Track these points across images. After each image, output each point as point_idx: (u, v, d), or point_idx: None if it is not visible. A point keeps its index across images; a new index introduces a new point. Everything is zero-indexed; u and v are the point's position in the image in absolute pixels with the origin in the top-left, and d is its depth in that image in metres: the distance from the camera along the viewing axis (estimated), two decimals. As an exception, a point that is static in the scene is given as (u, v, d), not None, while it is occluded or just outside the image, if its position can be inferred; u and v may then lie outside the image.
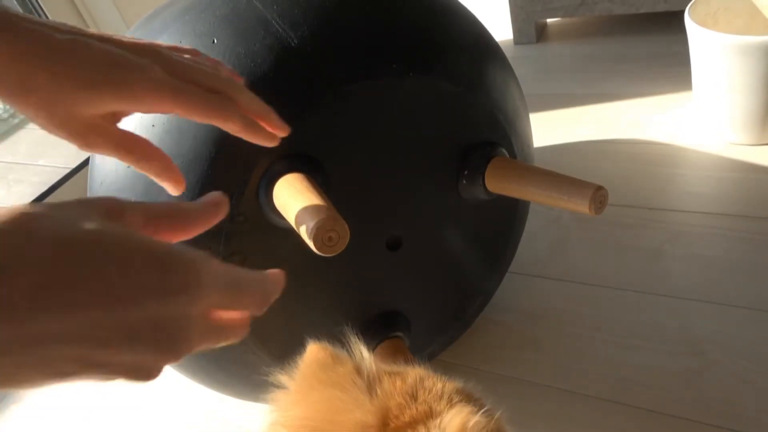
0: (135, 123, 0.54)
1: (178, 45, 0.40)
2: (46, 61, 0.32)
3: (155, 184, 0.53)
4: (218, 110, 0.36)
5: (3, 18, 0.32)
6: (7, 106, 2.06)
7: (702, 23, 0.94)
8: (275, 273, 0.31)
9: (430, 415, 0.35)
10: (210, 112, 0.36)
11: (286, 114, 0.44)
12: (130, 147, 0.38)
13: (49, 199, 1.28)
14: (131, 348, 0.25)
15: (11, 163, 1.76)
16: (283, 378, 0.37)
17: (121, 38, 0.36)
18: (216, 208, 0.32)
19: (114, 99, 0.34)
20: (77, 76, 0.33)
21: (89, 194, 0.58)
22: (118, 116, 0.37)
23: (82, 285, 0.23)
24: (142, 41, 0.37)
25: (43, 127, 0.35)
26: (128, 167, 0.53)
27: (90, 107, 0.34)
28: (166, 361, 0.27)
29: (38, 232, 0.23)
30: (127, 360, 0.25)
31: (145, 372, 0.27)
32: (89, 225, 0.24)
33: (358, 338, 0.65)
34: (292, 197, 0.48)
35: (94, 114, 0.35)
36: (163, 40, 0.53)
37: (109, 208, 0.27)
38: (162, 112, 0.36)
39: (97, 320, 0.24)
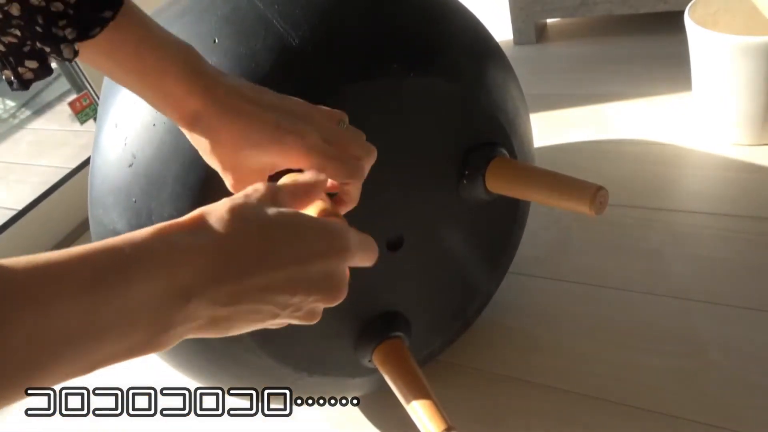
0: (137, 121, 0.54)
1: (330, 110, 0.45)
2: (231, 125, 0.41)
3: (154, 184, 0.53)
4: (349, 177, 0.44)
5: (206, 76, 0.41)
6: (7, 107, 2.07)
7: (702, 23, 0.94)
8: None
9: None
10: (344, 178, 0.43)
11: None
12: None
13: (49, 199, 1.28)
14: (310, 294, 0.35)
15: (11, 163, 1.76)
16: None
17: (288, 99, 0.44)
18: (323, 180, 0.42)
19: (274, 157, 0.42)
20: (251, 138, 0.41)
21: (89, 195, 0.58)
22: (274, 168, 0.44)
23: (279, 252, 0.33)
24: (302, 104, 0.44)
25: (209, 159, 0.43)
26: (129, 167, 0.53)
27: (256, 160, 0.42)
28: (331, 303, 0.36)
29: (249, 218, 0.33)
30: (307, 305, 0.36)
31: (316, 314, 0.37)
32: (272, 210, 0.34)
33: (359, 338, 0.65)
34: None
35: (256, 164, 0.43)
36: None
37: (271, 194, 0.36)
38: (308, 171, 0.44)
39: (289, 275, 0.34)
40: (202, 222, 0.32)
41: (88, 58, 0.40)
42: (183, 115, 0.41)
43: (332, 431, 0.77)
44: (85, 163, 1.37)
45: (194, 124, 0.41)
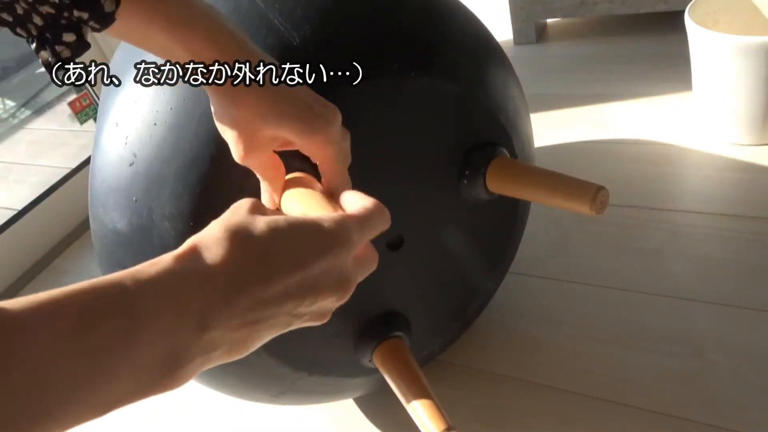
0: (137, 120, 0.54)
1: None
2: (264, 89, 0.40)
3: (154, 184, 0.53)
4: (344, 186, 0.44)
5: (236, 38, 0.41)
6: (7, 107, 2.07)
7: (702, 23, 0.94)
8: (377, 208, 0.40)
9: None
10: (343, 184, 0.44)
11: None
12: (272, 168, 0.46)
13: (49, 199, 1.28)
14: (319, 295, 0.35)
15: (11, 163, 1.76)
16: None
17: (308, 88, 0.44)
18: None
19: (296, 134, 0.42)
20: (280, 108, 0.41)
21: (90, 194, 0.58)
22: (283, 144, 0.44)
23: (282, 262, 0.33)
24: (322, 98, 0.44)
25: (226, 121, 0.42)
26: (130, 166, 0.53)
27: (274, 131, 0.42)
28: (340, 300, 0.37)
29: (246, 235, 0.33)
30: (316, 307, 0.36)
31: (326, 314, 0.38)
32: (263, 221, 0.34)
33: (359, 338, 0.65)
34: (295, 199, 0.48)
35: (272, 135, 0.42)
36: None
37: (255, 206, 0.36)
38: (314, 160, 0.44)
39: (296, 282, 0.33)
40: (199, 248, 0.32)
41: (116, 22, 0.39)
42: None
43: (332, 431, 0.77)
44: (85, 163, 1.37)
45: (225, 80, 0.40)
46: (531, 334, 0.82)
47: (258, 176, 0.46)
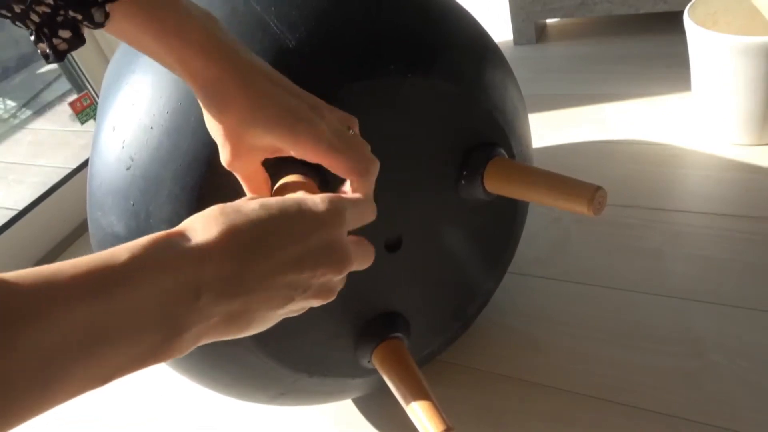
0: (134, 125, 0.54)
1: (343, 113, 0.46)
2: (245, 97, 0.41)
3: (151, 187, 0.53)
4: (353, 173, 0.43)
5: (225, 46, 0.41)
6: (7, 107, 2.07)
7: (702, 24, 0.94)
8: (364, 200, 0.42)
9: None
10: (348, 172, 0.43)
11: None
12: (256, 179, 0.46)
13: (49, 200, 1.28)
14: (317, 267, 0.36)
15: (11, 163, 1.76)
16: None
17: (303, 91, 0.45)
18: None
19: (281, 140, 0.42)
20: (262, 115, 0.41)
21: (88, 197, 0.58)
22: (275, 151, 0.44)
23: (274, 234, 0.34)
24: (316, 99, 0.45)
25: (213, 128, 0.43)
26: (127, 169, 0.53)
27: (260, 138, 0.42)
28: (339, 272, 0.37)
29: (238, 211, 0.34)
30: (318, 281, 0.37)
31: (331, 290, 0.39)
32: (255, 201, 0.36)
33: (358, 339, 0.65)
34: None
35: (258, 143, 0.43)
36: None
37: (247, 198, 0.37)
38: (313, 162, 0.43)
39: (291, 254, 0.35)
40: (193, 226, 0.33)
41: (111, 24, 0.40)
42: (198, 78, 0.41)
43: (332, 431, 0.77)
44: (86, 163, 1.37)
45: (207, 88, 0.41)
46: (531, 334, 0.82)
47: (243, 186, 0.46)
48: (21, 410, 0.25)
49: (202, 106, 0.43)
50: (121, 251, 0.29)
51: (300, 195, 0.39)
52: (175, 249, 0.31)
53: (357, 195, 0.42)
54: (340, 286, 0.40)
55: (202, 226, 0.33)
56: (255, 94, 0.41)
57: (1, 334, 0.24)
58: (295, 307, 0.38)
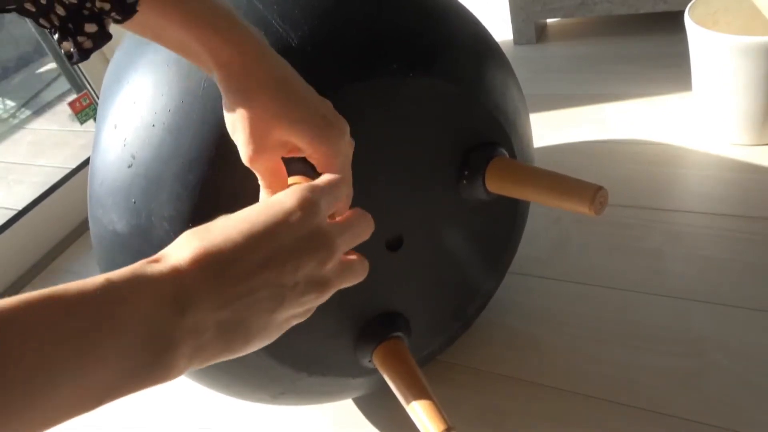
0: (136, 123, 0.54)
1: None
2: (278, 93, 0.41)
3: (153, 185, 0.53)
4: (347, 202, 0.43)
5: (255, 38, 0.41)
6: (7, 107, 2.07)
7: (702, 23, 0.94)
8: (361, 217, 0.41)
9: None
10: (345, 200, 0.43)
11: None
12: (277, 176, 0.45)
13: (49, 199, 1.28)
14: (301, 259, 0.35)
15: (11, 163, 1.76)
16: None
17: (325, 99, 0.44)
18: None
19: (307, 140, 0.41)
20: (293, 114, 0.41)
21: (89, 196, 0.58)
22: (291, 150, 0.44)
23: (247, 234, 0.34)
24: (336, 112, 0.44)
25: (236, 123, 0.42)
26: (128, 168, 0.53)
27: (283, 135, 0.41)
28: (326, 263, 0.37)
29: (207, 227, 0.35)
30: (307, 275, 0.36)
31: (325, 283, 0.37)
32: (219, 218, 0.35)
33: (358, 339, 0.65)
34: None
35: (281, 138, 0.42)
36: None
37: None
38: (320, 169, 0.43)
39: (269, 249, 0.34)
40: (166, 252, 0.33)
41: (136, 16, 0.39)
42: (227, 66, 0.41)
43: (332, 431, 0.77)
44: (85, 163, 1.37)
45: (237, 76, 0.41)
46: (531, 334, 0.82)
47: (260, 182, 0.46)
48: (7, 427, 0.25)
49: (225, 95, 0.42)
50: (98, 277, 0.30)
51: (273, 197, 0.38)
52: (152, 271, 0.31)
53: (327, 177, 0.40)
54: (334, 278, 0.38)
55: (175, 251, 0.33)
56: (288, 93, 0.41)
57: None
58: (294, 309, 0.37)
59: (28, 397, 0.25)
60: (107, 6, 0.38)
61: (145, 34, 0.41)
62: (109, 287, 0.29)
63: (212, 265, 0.32)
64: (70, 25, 0.38)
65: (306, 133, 0.41)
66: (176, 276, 0.31)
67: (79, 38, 0.39)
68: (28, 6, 0.37)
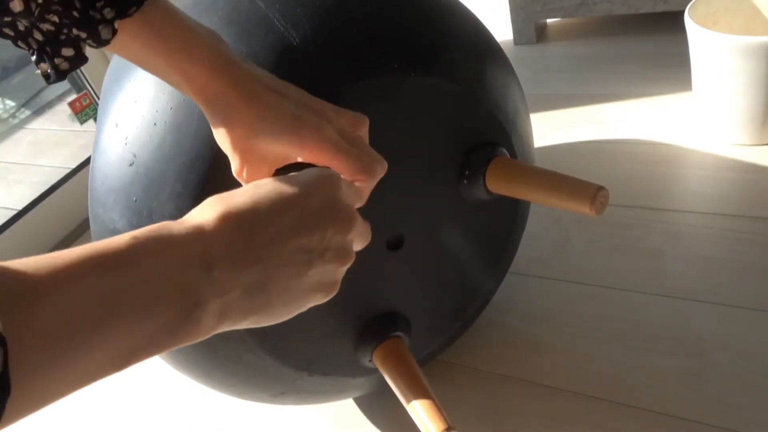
0: (137, 121, 0.54)
1: (352, 115, 0.46)
2: (249, 109, 0.41)
3: (154, 184, 0.53)
4: (361, 172, 0.44)
5: (230, 61, 0.42)
6: (7, 107, 2.07)
7: (702, 23, 0.94)
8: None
9: None
10: (355, 172, 0.43)
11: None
12: None
13: (49, 199, 1.28)
14: (326, 227, 0.37)
15: (11, 163, 1.76)
16: None
17: (309, 96, 0.45)
18: None
19: (289, 146, 0.42)
20: (267, 125, 0.42)
21: (90, 194, 0.58)
22: (284, 159, 0.44)
23: (274, 201, 0.36)
24: (322, 103, 0.45)
25: (222, 141, 0.43)
26: (129, 166, 0.53)
27: (268, 147, 0.42)
28: (347, 230, 0.39)
29: (234, 192, 0.36)
30: (331, 242, 0.38)
31: (348, 250, 0.40)
32: (244, 186, 0.38)
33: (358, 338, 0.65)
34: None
35: (267, 151, 0.43)
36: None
37: None
38: (321, 165, 0.43)
39: (295, 217, 0.36)
40: (189, 215, 0.34)
41: (116, 42, 0.40)
42: (204, 93, 0.42)
43: (332, 431, 0.77)
44: (85, 163, 1.37)
45: (213, 103, 0.42)
46: (531, 334, 0.82)
47: None
48: (40, 391, 0.25)
49: (209, 121, 0.43)
50: (123, 235, 0.30)
51: (293, 174, 0.40)
52: (177, 228, 0.32)
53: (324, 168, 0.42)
54: (354, 249, 0.41)
55: (199, 213, 0.34)
56: (260, 106, 0.42)
57: (15, 311, 0.24)
58: (317, 279, 0.38)
59: (59, 358, 0.26)
60: (84, 34, 0.39)
61: (129, 58, 0.42)
62: (136, 245, 0.30)
63: (239, 225, 0.34)
64: (48, 49, 0.39)
65: (283, 141, 0.42)
66: (201, 234, 0.32)
67: (56, 60, 0.40)
68: (7, 31, 0.38)
